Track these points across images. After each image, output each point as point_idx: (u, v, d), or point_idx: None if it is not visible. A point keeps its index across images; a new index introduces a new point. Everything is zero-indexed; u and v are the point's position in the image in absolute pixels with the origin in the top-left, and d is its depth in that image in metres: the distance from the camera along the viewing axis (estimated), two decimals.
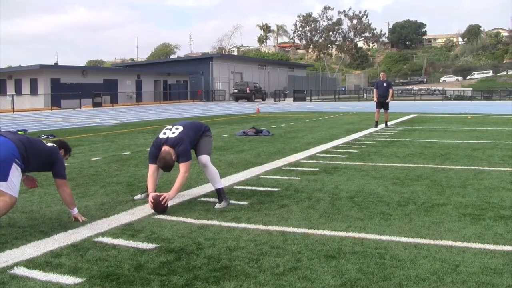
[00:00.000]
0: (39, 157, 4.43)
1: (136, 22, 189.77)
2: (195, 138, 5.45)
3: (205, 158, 5.42)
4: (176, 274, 3.35)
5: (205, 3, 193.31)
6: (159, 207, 4.97)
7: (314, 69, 79.89)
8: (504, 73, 77.40)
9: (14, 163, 4.14)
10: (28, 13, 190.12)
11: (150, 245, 3.96)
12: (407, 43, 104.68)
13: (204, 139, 5.56)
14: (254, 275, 3.33)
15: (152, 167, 5.30)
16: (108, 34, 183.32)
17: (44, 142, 4.65)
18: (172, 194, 5.08)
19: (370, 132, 13.96)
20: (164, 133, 5.36)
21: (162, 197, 4.98)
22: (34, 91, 38.14)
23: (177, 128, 5.37)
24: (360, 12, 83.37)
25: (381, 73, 16.75)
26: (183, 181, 5.19)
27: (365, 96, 54.28)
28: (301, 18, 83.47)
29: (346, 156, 9.13)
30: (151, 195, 5.08)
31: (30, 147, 4.36)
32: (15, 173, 4.17)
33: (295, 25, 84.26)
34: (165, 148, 5.19)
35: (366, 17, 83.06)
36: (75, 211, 4.69)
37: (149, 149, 5.50)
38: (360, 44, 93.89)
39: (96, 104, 36.73)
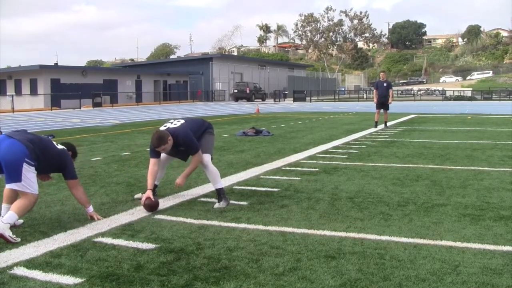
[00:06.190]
0: (50, 157, 4.46)
1: (141, 22, 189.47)
2: (197, 132, 5.44)
3: (206, 158, 5.41)
4: (176, 274, 3.36)
5: (212, 3, 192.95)
6: (151, 208, 5.05)
7: (314, 69, 79.88)
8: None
9: (24, 163, 4.18)
10: (28, 12, 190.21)
11: (150, 245, 3.97)
12: (407, 43, 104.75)
13: (207, 137, 5.56)
14: (254, 275, 3.33)
15: (152, 161, 5.29)
16: (112, 34, 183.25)
17: (54, 143, 4.67)
18: (181, 181, 5.34)
19: (370, 133, 13.96)
20: (165, 126, 5.39)
21: (176, 184, 5.36)
22: (34, 91, 38.13)
23: (178, 121, 5.42)
24: (361, 12, 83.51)
25: (381, 73, 16.91)
26: (193, 168, 5.36)
27: (365, 97, 54.25)
28: (303, 18, 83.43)
29: (346, 156, 9.13)
30: (147, 195, 5.09)
31: (40, 147, 4.38)
32: (29, 172, 4.21)
33: (296, 24, 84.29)
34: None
35: (367, 18, 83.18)
36: (90, 209, 4.75)
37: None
38: (360, 44, 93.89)
39: (96, 104, 36.73)
